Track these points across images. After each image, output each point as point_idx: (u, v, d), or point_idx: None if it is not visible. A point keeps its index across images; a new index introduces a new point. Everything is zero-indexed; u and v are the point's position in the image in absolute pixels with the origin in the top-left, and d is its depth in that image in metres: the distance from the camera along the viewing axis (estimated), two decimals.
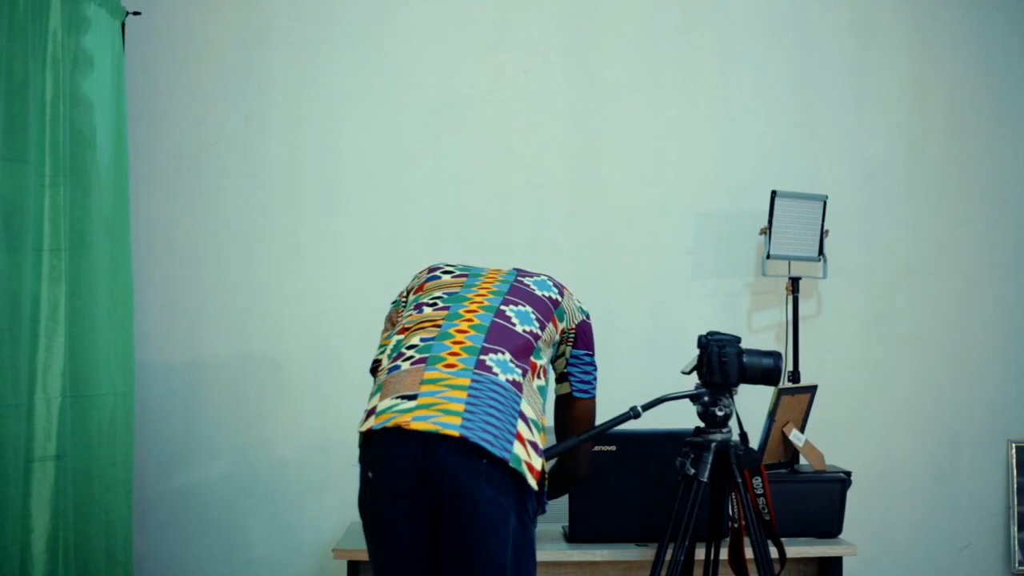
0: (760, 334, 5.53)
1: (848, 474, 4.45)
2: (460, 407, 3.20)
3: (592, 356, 3.77)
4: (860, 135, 5.68)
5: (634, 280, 5.58)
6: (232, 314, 5.46)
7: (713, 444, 3.76)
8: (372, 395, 3.42)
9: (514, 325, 3.50)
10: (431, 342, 3.43)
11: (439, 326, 3.49)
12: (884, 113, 5.70)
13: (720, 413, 3.78)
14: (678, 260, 5.59)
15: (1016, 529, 5.54)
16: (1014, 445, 5.58)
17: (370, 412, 3.32)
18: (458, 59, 5.60)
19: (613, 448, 4.16)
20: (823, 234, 5.35)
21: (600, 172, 5.61)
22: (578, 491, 4.16)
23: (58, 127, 4.58)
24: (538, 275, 3.79)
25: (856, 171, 5.64)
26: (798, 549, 4.18)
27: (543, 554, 4.10)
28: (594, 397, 3.77)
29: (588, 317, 3.79)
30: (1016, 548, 5.54)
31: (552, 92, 5.62)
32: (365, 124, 5.55)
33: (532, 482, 3.21)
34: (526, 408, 3.31)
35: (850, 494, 4.45)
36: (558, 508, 4.29)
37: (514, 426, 3.23)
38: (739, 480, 3.76)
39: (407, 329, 3.56)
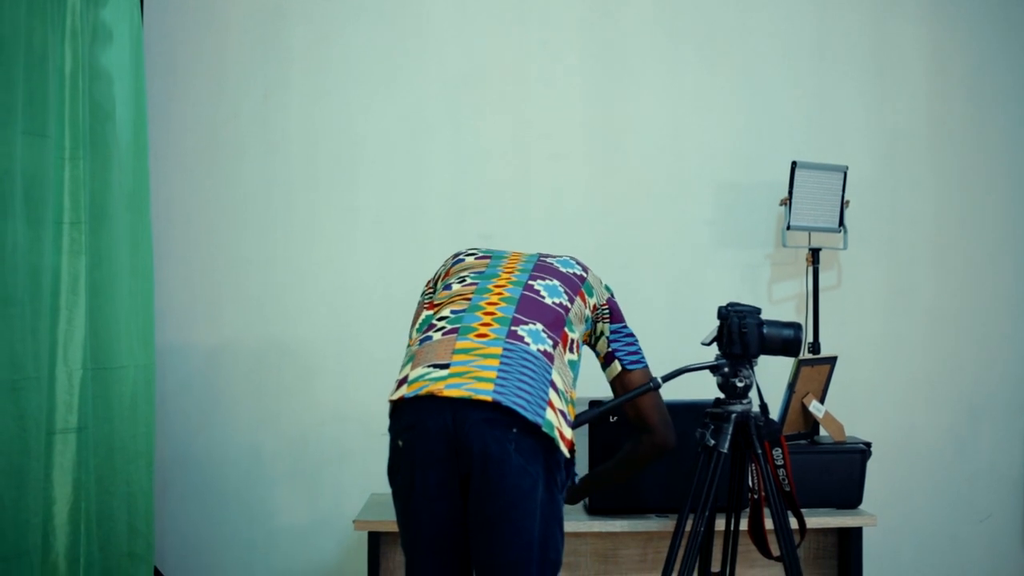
0: (780, 305, 5.51)
1: (868, 445, 4.44)
2: (493, 374, 3.22)
3: (628, 328, 3.83)
4: (881, 105, 5.66)
5: (654, 251, 5.57)
6: (251, 287, 5.46)
7: (733, 415, 3.76)
8: (403, 365, 3.43)
9: (543, 298, 3.55)
10: (462, 313, 3.46)
11: (469, 299, 3.52)
12: (905, 83, 5.67)
13: (740, 384, 3.77)
14: (698, 231, 5.58)
15: None
16: None
17: (401, 381, 3.35)
18: (476, 32, 5.58)
19: None
20: (843, 205, 5.33)
21: (619, 143, 5.60)
22: (598, 462, 4.15)
23: (77, 100, 4.59)
24: (561, 255, 3.85)
25: (877, 141, 5.61)
26: (818, 520, 4.18)
27: (565, 525, 4.10)
28: (646, 365, 3.80)
29: (613, 295, 3.85)
30: None
31: (571, 64, 5.60)
32: (384, 98, 5.54)
33: (564, 449, 3.24)
34: (556, 378, 3.34)
35: (870, 465, 4.45)
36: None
37: (546, 393, 3.26)
38: (759, 451, 3.75)
39: (437, 305, 3.58)
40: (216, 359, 5.45)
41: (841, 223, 5.35)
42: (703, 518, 3.72)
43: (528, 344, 3.36)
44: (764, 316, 3.84)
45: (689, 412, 4.01)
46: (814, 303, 5.33)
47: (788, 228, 5.25)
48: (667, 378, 3.69)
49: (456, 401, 3.18)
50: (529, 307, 3.49)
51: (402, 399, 3.29)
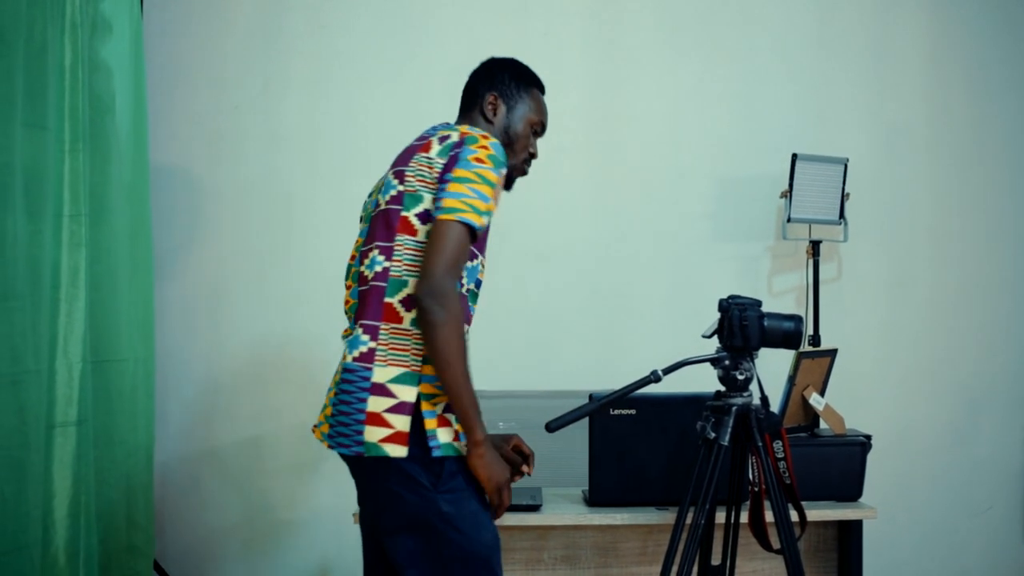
0: (780, 297, 5.51)
1: (868, 437, 4.44)
2: (329, 411, 3.27)
3: None
4: (880, 98, 5.66)
5: (654, 244, 5.57)
6: (251, 279, 5.47)
7: (734, 408, 3.75)
8: None
9: (364, 279, 3.31)
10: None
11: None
12: (904, 75, 5.67)
13: (741, 377, 3.76)
14: (698, 224, 5.58)
15: None
16: None
17: None
18: (478, 23, 5.58)
19: (633, 412, 4.15)
20: (844, 197, 5.33)
21: (620, 136, 5.60)
22: (598, 455, 4.15)
23: (77, 93, 4.59)
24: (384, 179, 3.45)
25: (877, 134, 5.61)
26: (818, 512, 4.18)
27: (565, 517, 4.12)
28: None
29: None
30: None
31: (572, 55, 5.60)
32: (385, 89, 5.54)
33: (399, 451, 3.10)
34: (380, 373, 3.14)
35: (870, 458, 4.44)
36: (579, 472, 4.30)
37: (364, 407, 3.14)
38: (760, 444, 3.75)
39: None
40: (216, 352, 5.46)
41: (841, 215, 5.35)
42: (703, 511, 3.71)
43: (345, 358, 3.26)
44: (765, 309, 3.83)
45: (690, 405, 4.01)
46: (814, 295, 5.33)
47: (788, 220, 5.25)
48: (668, 371, 3.68)
49: None
50: (361, 302, 3.30)
51: None
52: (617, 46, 5.60)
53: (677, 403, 4.10)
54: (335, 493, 5.30)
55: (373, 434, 3.10)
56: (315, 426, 3.37)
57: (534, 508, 4.14)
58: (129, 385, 4.86)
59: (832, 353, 4.58)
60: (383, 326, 3.18)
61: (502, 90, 3.65)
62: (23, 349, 4.13)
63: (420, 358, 3.15)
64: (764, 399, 3.82)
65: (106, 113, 4.82)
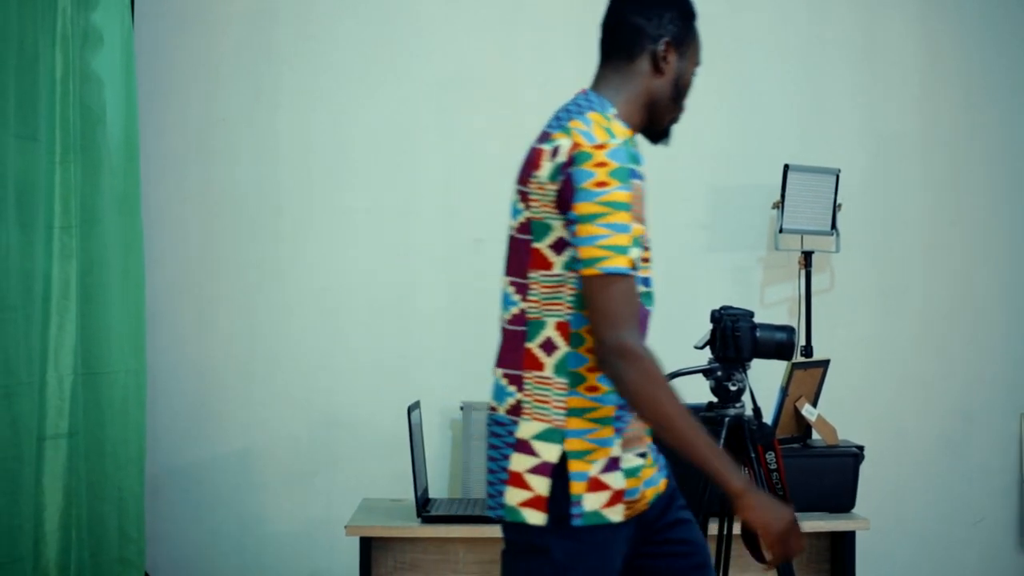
0: (773, 308, 5.51)
1: (861, 448, 4.45)
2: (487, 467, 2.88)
3: None
4: (873, 108, 5.66)
5: None
6: (243, 290, 5.45)
7: (726, 419, 3.75)
8: None
9: (501, 319, 2.89)
10: None
11: None
12: (897, 86, 5.67)
13: (733, 388, 3.76)
14: (690, 234, 5.57)
15: None
16: None
17: None
18: (468, 34, 5.57)
19: None
20: (836, 208, 5.33)
21: None
22: None
23: (68, 104, 4.58)
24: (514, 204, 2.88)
25: (869, 144, 5.61)
26: (811, 524, 4.18)
27: None
28: None
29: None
30: None
31: (562, 65, 5.58)
32: (375, 99, 5.53)
33: (537, 518, 2.69)
34: (525, 428, 2.73)
35: (863, 468, 4.45)
36: None
37: (507, 465, 2.74)
38: (752, 455, 3.74)
39: None
40: (208, 363, 5.44)
41: (834, 226, 5.35)
42: (696, 522, 3.70)
43: (495, 409, 2.83)
44: (757, 319, 3.83)
45: None
46: (807, 306, 5.33)
47: (780, 231, 5.26)
48: None
49: None
50: (503, 346, 2.87)
51: None
52: None
53: None
54: (327, 506, 5.28)
55: (513, 496, 2.72)
56: None
57: None
58: (120, 397, 4.84)
59: (824, 364, 4.59)
60: (526, 375, 2.75)
61: (675, 33, 3.05)
62: (15, 361, 4.12)
63: (564, 411, 2.71)
64: (757, 410, 3.82)
65: (97, 124, 4.80)
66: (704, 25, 5.58)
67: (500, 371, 2.80)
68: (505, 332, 2.82)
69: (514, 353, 2.78)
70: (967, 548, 5.56)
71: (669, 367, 3.73)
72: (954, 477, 5.58)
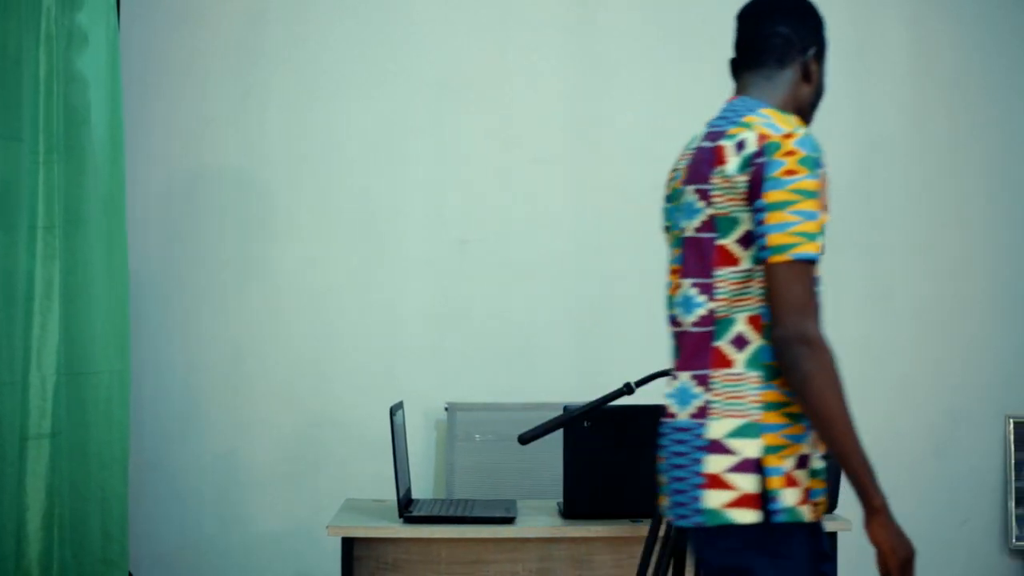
0: None
1: None
2: (664, 479, 2.85)
3: None
4: (860, 111, 5.65)
5: (633, 255, 5.55)
6: (229, 291, 5.45)
7: None
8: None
9: (678, 322, 2.90)
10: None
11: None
12: (886, 86, 5.67)
13: None
14: None
15: (1014, 505, 5.53)
16: (1012, 421, 5.56)
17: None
18: (458, 34, 5.57)
19: (608, 424, 4.16)
20: None
21: (600, 147, 5.60)
22: (572, 466, 4.15)
23: (52, 104, 4.58)
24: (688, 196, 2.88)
25: (856, 147, 5.61)
26: None
27: (539, 530, 4.12)
28: None
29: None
30: (1014, 523, 5.53)
31: (552, 66, 5.60)
32: (364, 100, 5.53)
33: (748, 516, 2.67)
34: (716, 427, 2.71)
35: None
36: (555, 484, 4.28)
37: (700, 469, 2.71)
38: None
39: None
40: (193, 363, 5.44)
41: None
42: None
43: (675, 415, 2.83)
44: None
45: (658, 416, 3.99)
46: None
47: None
48: (640, 383, 3.69)
49: None
50: (683, 352, 2.87)
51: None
52: (597, 58, 5.60)
53: (651, 414, 4.08)
54: (312, 506, 5.27)
55: (714, 499, 2.68)
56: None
57: (508, 520, 4.13)
58: (104, 397, 4.83)
59: None
60: (714, 374, 2.73)
61: (819, 42, 3.09)
62: None
63: (760, 405, 2.70)
64: None
65: (81, 124, 4.80)
66: (694, 28, 5.63)
67: (686, 374, 2.80)
68: (688, 335, 2.81)
69: (701, 354, 2.76)
70: (952, 549, 5.56)
71: (658, 366, 3.76)
72: (939, 478, 5.58)
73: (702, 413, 2.72)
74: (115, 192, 4.98)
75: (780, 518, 2.65)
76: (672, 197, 3.00)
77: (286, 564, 5.37)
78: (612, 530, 4.13)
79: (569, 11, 5.62)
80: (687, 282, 2.81)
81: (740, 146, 2.73)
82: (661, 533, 3.71)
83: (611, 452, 4.16)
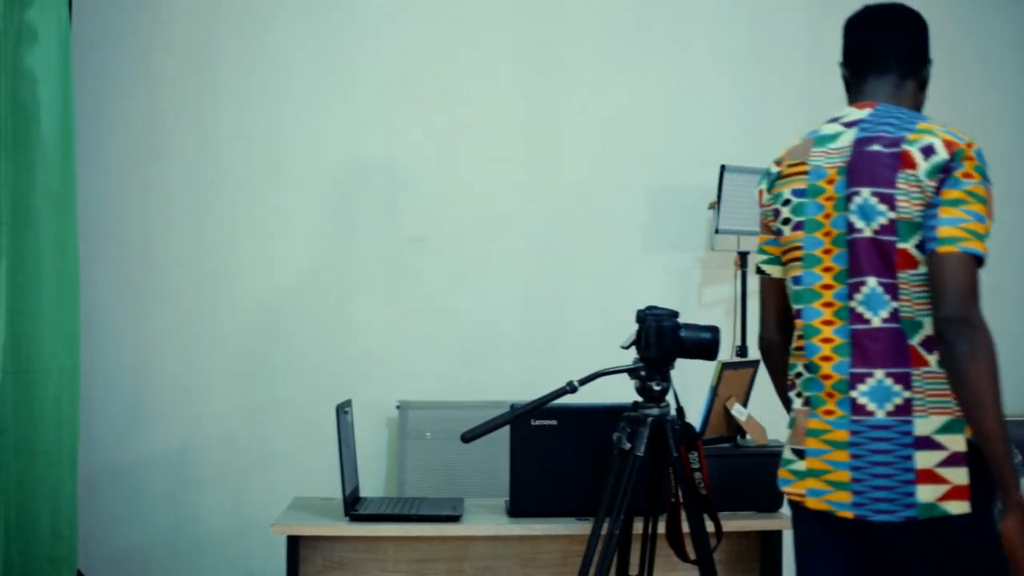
0: (710, 308, 5.54)
1: None
2: (846, 476, 2.87)
3: None
4: (814, 108, 5.64)
5: (586, 254, 5.58)
6: (181, 289, 5.46)
7: (649, 419, 3.75)
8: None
9: (864, 319, 2.90)
10: (810, 374, 3.02)
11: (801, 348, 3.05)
12: (837, 87, 5.67)
13: (657, 388, 3.76)
14: (630, 234, 5.60)
15: None
16: None
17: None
18: (412, 32, 5.59)
19: (554, 423, 4.16)
20: None
21: (553, 146, 5.62)
22: (519, 465, 4.16)
23: (1, 102, 4.56)
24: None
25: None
26: (738, 523, 4.19)
27: (485, 528, 4.13)
28: None
29: None
30: None
31: (505, 66, 5.62)
32: (316, 98, 5.54)
33: (962, 507, 2.76)
34: (923, 424, 2.79)
35: None
36: (503, 482, 4.29)
37: (911, 465, 2.79)
38: (675, 455, 3.75)
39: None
40: (145, 361, 5.45)
41: None
42: (618, 522, 3.72)
43: (873, 413, 2.84)
44: (694, 320, 3.83)
45: (611, 415, 4.00)
46: (742, 306, 5.35)
47: (717, 232, 5.28)
48: (583, 381, 3.68)
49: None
50: (862, 346, 2.88)
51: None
52: (550, 58, 5.63)
53: (598, 414, 4.10)
54: (262, 504, 5.27)
55: (927, 493, 2.76)
56: (802, 495, 2.99)
57: (454, 519, 4.14)
58: (53, 395, 4.82)
59: (755, 364, 4.59)
60: (915, 372, 2.80)
61: (929, 54, 3.25)
62: None
63: (956, 402, 2.78)
64: (680, 410, 3.82)
65: (31, 121, 4.78)
66: (646, 27, 5.65)
67: (881, 371, 2.84)
68: (879, 332, 2.85)
69: (898, 352, 2.82)
70: None
71: (608, 366, 3.78)
72: None
73: (903, 410, 2.80)
74: (65, 189, 4.97)
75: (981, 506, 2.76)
76: (809, 192, 3.03)
77: (235, 562, 5.38)
78: (557, 528, 4.14)
79: (524, 10, 5.63)
80: (872, 280, 2.86)
81: (927, 152, 2.83)
82: (603, 532, 3.71)
83: (558, 450, 4.17)
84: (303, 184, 5.51)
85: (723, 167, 5.24)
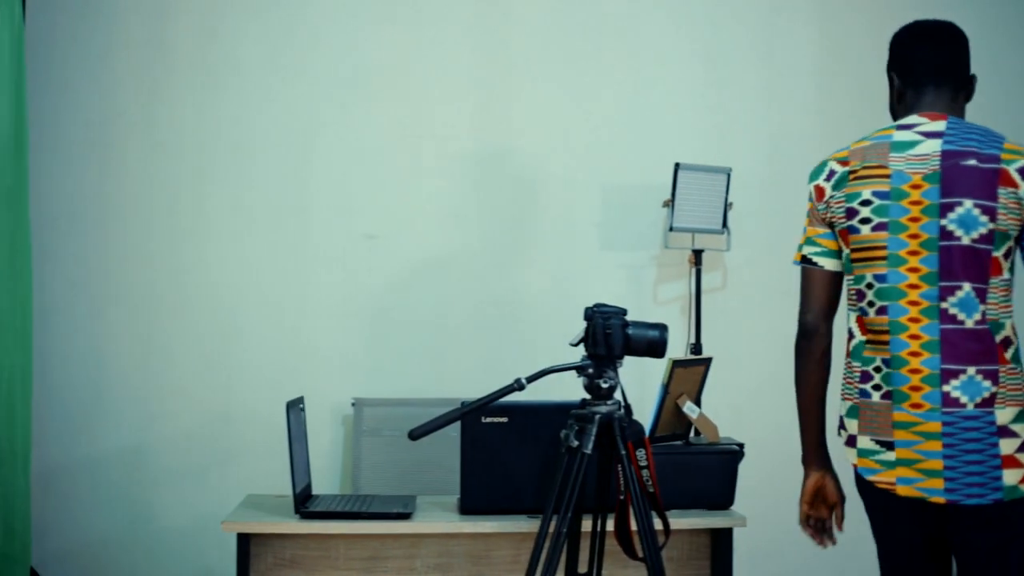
0: (666, 306, 5.54)
1: (741, 446, 4.47)
2: (939, 464, 3.14)
3: None
4: (768, 107, 5.71)
5: (541, 252, 5.59)
6: (134, 286, 5.44)
7: (597, 416, 3.76)
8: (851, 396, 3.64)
9: (958, 320, 3.17)
10: (893, 368, 3.31)
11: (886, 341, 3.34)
12: (792, 85, 5.73)
13: (605, 385, 3.77)
14: (585, 232, 5.61)
15: None
16: None
17: (852, 437, 3.54)
18: (365, 29, 5.59)
19: (504, 420, 4.17)
20: (727, 206, 5.38)
21: (508, 143, 5.63)
22: (469, 463, 4.16)
23: None
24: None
25: (762, 143, 5.67)
26: (688, 521, 4.20)
27: (436, 526, 4.13)
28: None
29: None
30: None
31: (460, 63, 5.62)
32: (271, 95, 5.54)
33: None
34: (1001, 415, 3.09)
35: (752, 467, 4.48)
36: (454, 480, 4.29)
37: (997, 452, 3.09)
38: (623, 452, 3.76)
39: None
40: (99, 358, 5.43)
41: (724, 225, 5.39)
42: (566, 519, 3.72)
43: (965, 405, 3.13)
44: (648, 318, 3.85)
45: (561, 413, 4.00)
46: (696, 304, 5.36)
47: (671, 230, 5.29)
48: (531, 379, 3.69)
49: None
50: (952, 343, 3.17)
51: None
52: (504, 54, 5.63)
53: (548, 411, 4.11)
54: (217, 502, 5.24)
55: (1011, 476, 3.07)
56: (892, 484, 3.28)
57: (405, 516, 4.14)
58: (5, 391, 4.81)
59: (706, 362, 4.61)
60: (1000, 369, 3.11)
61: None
62: None
63: None
64: (627, 408, 3.83)
65: None
66: (601, 25, 5.66)
67: (973, 368, 3.11)
68: (971, 332, 3.12)
69: (988, 351, 3.11)
70: (856, 545, 5.59)
71: (551, 364, 3.78)
72: (841, 474, 5.61)
73: (988, 403, 3.08)
74: (18, 186, 4.95)
75: None
76: (893, 195, 3.22)
77: (193, 560, 5.37)
78: (507, 526, 4.14)
79: (478, 7, 5.63)
80: (967, 285, 3.11)
81: (1022, 171, 3.10)
82: (552, 529, 3.72)
83: (509, 448, 4.17)
84: (256, 181, 5.50)
85: (677, 165, 5.25)
